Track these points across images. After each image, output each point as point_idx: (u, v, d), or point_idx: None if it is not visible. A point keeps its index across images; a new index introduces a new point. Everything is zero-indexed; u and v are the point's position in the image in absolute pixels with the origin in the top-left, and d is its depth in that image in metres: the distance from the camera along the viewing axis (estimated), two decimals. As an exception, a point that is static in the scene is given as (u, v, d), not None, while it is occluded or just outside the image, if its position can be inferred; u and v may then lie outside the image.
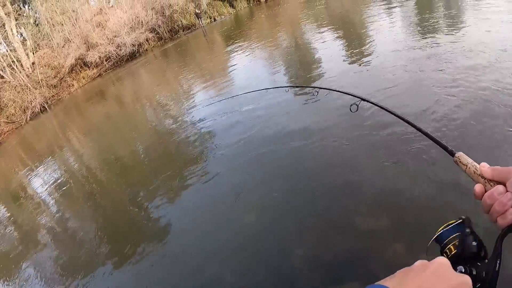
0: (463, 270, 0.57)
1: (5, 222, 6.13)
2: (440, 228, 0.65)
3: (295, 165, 3.74)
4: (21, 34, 23.02)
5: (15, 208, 6.76)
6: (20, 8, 23.93)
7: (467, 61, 4.36)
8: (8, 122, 17.21)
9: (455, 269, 0.55)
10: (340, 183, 3.16)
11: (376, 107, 1.40)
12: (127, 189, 5.15)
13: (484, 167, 0.63)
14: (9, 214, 6.55)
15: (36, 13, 24.36)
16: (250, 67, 8.76)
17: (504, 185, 0.58)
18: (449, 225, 0.64)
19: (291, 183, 3.47)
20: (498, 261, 0.53)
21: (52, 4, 22.63)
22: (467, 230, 0.62)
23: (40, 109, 17.87)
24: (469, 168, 0.68)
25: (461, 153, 0.74)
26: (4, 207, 7.07)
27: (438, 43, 5.26)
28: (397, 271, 0.47)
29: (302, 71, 6.87)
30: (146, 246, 3.49)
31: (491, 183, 0.60)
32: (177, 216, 3.81)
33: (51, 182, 6.86)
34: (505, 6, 5.92)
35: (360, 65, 5.67)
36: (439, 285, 0.43)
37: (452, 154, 0.77)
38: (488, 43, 4.60)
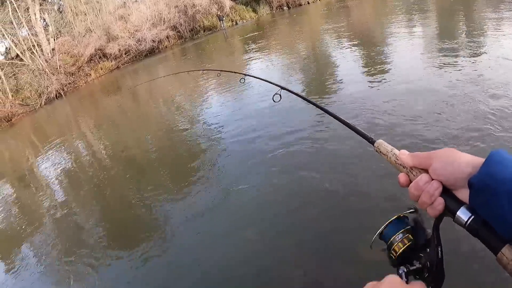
0: (405, 270, 0.53)
1: (9, 203, 6.04)
2: (383, 226, 0.60)
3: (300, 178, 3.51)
4: (44, 20, 23.35)
5: (19, 190, 6.69)
6: (46, -7, 24.35)
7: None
8: (23, 105, 17.33)
9: (398, 272, 0.54)
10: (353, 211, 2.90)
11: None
12: (131, 183, 5.00)
13: (404, 155, 0.58)
14: (14, 196, 6.48)
15: (60, 0, 24.77)
16: (266, 72, 8.66)
17: (427, 171, 0.53)
18: (389, 223, 0.60)
19: (299, 198, 3.26)
20: (439, 249, 0.52)
21: (78, -7, 22.98)
22: (408, 226, 0.58)
23: (56, 95, 17.96)
24: (390, 157, 0.62)
25: (380, 141, 0.68)
26: (10, 188, 7.01)
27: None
28: None
29: (318, 82, 6.68)
30: (146, 246, 3.32)
31: (414, 172, 0.56)
32: (179, 220, 3.62)
33: (57, 168, 6.83)
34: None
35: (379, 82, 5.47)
36: None
37: (372, 142, 0.71)
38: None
